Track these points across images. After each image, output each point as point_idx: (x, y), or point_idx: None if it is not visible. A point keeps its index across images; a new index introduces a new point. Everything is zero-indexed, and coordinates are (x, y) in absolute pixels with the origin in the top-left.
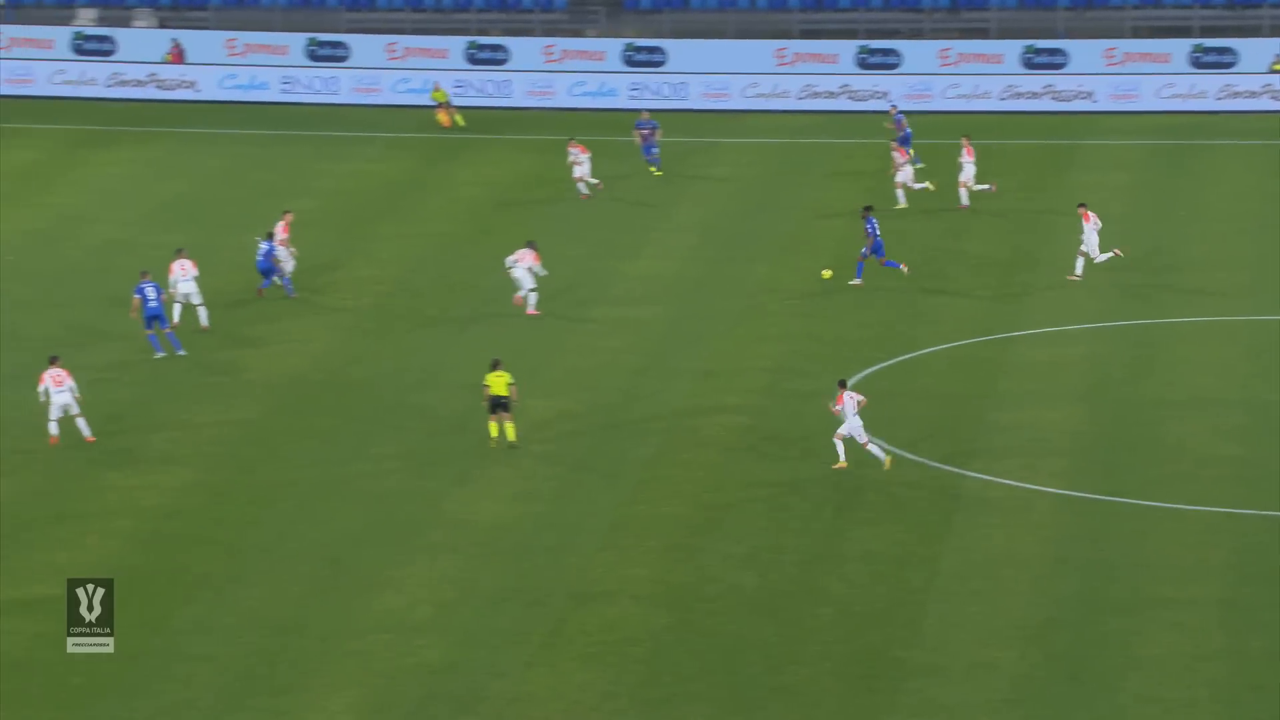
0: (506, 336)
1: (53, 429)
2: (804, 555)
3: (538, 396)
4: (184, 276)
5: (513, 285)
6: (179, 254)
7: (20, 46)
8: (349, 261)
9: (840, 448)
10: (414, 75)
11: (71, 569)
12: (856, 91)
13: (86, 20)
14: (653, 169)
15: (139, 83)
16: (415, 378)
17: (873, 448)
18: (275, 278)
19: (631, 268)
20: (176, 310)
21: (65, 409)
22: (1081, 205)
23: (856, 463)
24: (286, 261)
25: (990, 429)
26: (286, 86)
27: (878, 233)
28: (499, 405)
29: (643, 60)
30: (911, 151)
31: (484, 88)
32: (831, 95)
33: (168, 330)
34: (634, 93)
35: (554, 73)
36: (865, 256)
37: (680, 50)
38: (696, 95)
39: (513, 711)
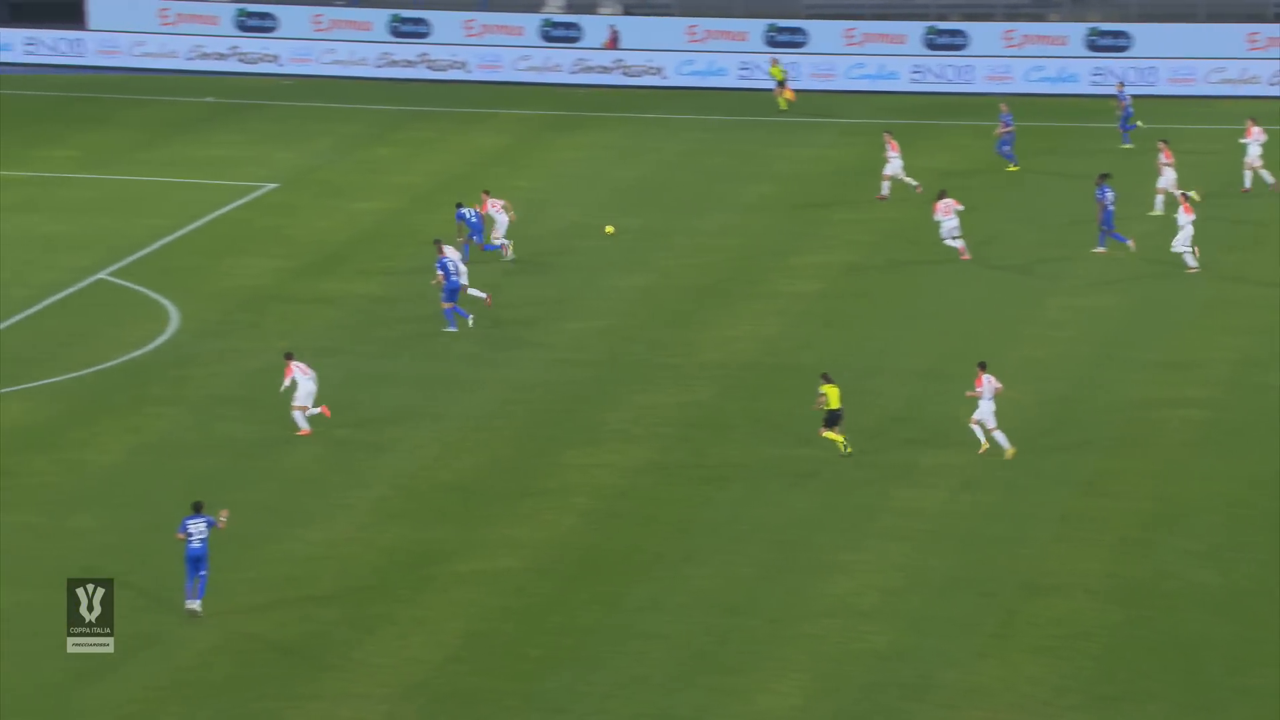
0: (957, 325)
1: (300, 419)
2: (1269, 554)
3: None
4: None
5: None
6: (437, 244)
7: (492, 33)
8: (801, 247)
9: (979, 432)
10: (869, 61)
11: (531, 544)
12: None
13: (555, 8)
14: (1009, 166)
15: (604, 69)
16: (865, 364)
17: (999, 435)
18: (473, 238)
19: (1087, 256)
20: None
21: (311, 396)
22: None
23: None
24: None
25: None
26: (744, 72)
27: (1109, 203)
28: (835, 418)
29: (1107, 45)
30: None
31: (943, 73)
32: None
33: (455, 304)
34: (1096, 78)
35: (1013, 58)
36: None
37: (1147, 34)
38: (1163, 81)
39: (965, 702)
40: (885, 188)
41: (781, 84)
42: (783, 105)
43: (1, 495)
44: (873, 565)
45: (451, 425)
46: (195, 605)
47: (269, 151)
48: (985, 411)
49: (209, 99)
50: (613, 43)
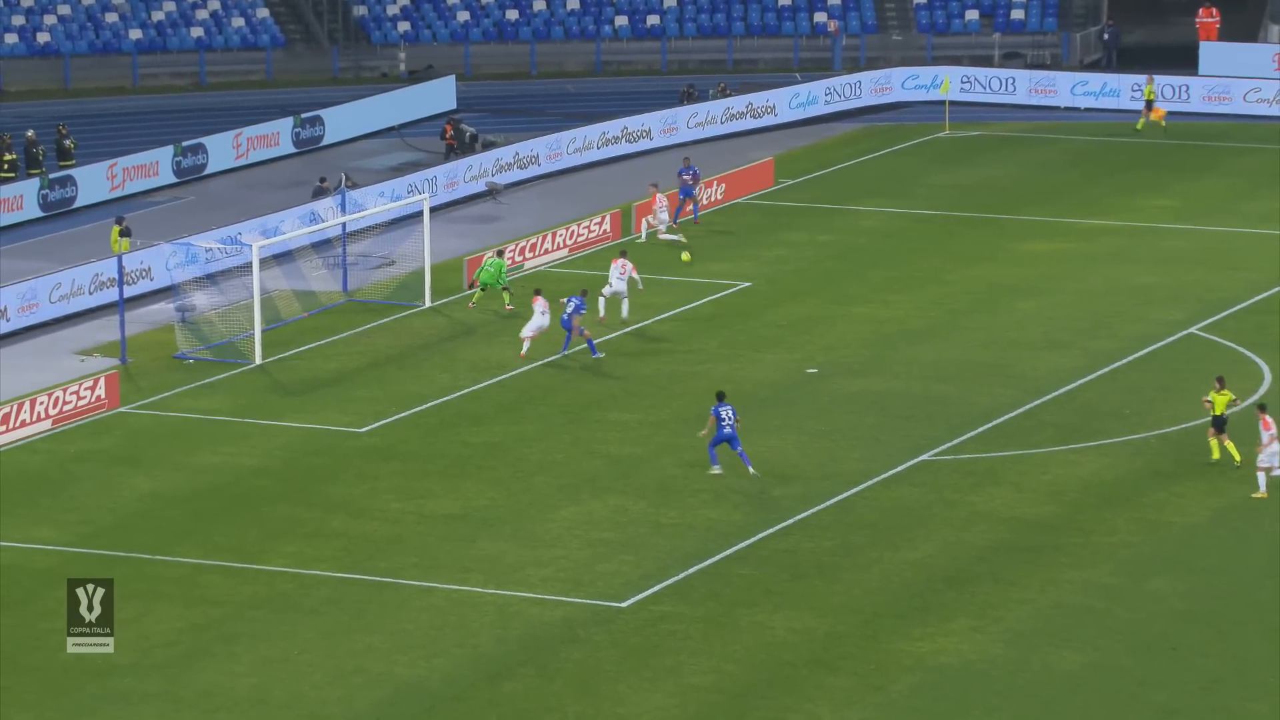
0: None
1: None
2: None
3: None
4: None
5: None
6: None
7: None
8: None
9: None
10: None
11: None
12: None
13: None
14: None
15: None
16: None
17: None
18: None
19: None
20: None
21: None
22: None
23: None
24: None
25: None
26: None
27: None
28: (1220, 424)
29: None
30: None
31: None
32: None
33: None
34: None
35: None
36: None
37: None
38: None
39: None
40: None
41: (1149, 104)
42: (1139, 126)
43: (1079, 552)
44: None
45: None
46: (751, 470)
47: None
48: (1271, 452)
49: None
50: None
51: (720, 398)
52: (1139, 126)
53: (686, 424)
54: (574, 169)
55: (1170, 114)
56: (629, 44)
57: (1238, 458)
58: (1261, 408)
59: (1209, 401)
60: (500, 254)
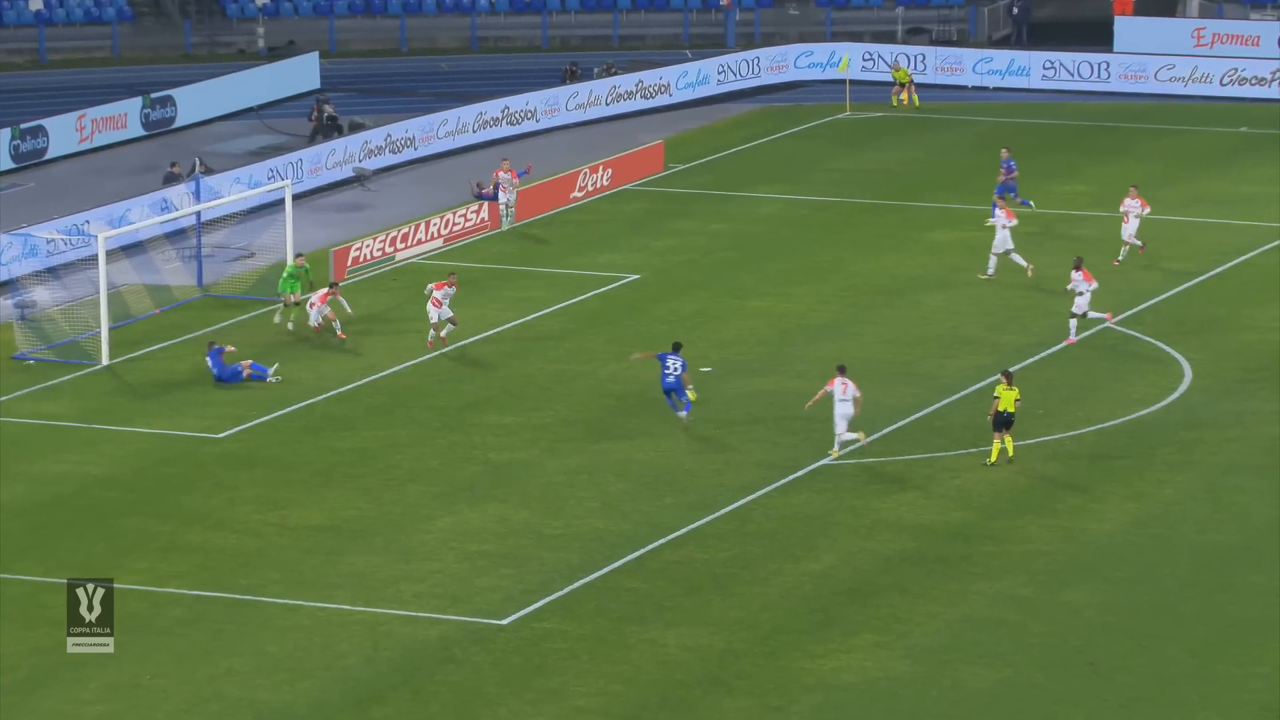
0: None
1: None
2: None
3: None
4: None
5: None
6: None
7: None
8: None
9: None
10: None
11: None
12: None
13: None
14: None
15: None
16: None
17: (839, 440)
18: None
19: None
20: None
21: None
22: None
23: None
24: None
25: None
26: None
27: None
28: (1004, 422)
29: None
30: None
31: None
32: None
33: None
34: None
35: None
36: None
37: None
38: None
39: None
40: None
41: (903, 85)
42: (895, 104)
43: (990, 562)
44: None
45: None
46: (683, 416)
47: None
48: (841, 412)
49: (1243, 129)
50: None
51: (675, 349)
52: (894, 104)
53: (571, 426)
54: (449, 153)
55: (1086, 94)
56: (507, 18)
57: (1011, 452)
58: (841, 369)
59: (997, 398)
60: (299, 256)
